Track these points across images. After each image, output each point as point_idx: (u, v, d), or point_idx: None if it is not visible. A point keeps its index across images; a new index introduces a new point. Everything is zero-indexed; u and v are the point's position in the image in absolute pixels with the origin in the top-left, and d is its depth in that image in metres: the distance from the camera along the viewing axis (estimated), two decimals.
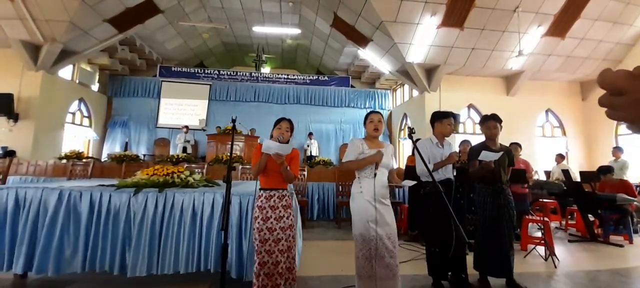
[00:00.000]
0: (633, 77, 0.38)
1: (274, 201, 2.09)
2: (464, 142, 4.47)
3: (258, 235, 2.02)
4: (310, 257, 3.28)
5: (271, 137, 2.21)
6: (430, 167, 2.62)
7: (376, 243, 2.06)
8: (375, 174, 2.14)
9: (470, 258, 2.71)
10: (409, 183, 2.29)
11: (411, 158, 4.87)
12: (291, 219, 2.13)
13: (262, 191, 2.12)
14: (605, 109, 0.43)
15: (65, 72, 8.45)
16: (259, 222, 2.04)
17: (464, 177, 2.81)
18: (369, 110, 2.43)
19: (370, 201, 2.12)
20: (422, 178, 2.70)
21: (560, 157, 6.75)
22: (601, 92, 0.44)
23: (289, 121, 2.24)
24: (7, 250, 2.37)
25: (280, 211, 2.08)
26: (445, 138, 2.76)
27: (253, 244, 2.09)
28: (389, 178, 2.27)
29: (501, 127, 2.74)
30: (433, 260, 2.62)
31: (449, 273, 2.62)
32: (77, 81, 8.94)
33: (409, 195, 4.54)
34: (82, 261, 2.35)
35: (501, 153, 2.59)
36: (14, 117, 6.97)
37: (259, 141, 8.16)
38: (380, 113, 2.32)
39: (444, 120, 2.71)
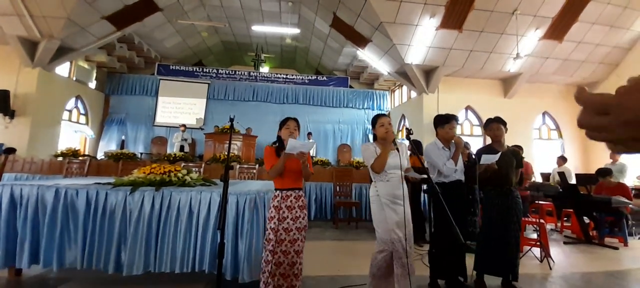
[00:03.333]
0: (617, 95, 0.36)
1: (291, 201, 2.08)
2: (464, 145, 4.48)
3: (274, 236, 2.01)
4: (308, 257, 3.26)
5: (278, 138, 2.21)
6: (439, 169, 2.65)
7: (395, 245, 2.09)
8: (388, 179, 2.18)
9: (470, 259, 2.72)
10: (424, 175, 2.33)
11: (413, 159, 4.88)
12: (306, 220, 2.13)
13: (278, 191, 2.11)
14: (585, 130, 0.39)
15: (63, 69, 8.39)
16: (275, 222, 2.03)
17: (466, 178, 2.85)
18: (376, 114, 2.41)
19: (387, 203, 2.15)
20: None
21: (562, 160, 6.77)
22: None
23: (296, 120, 2.24)
24: (3, 247, 2.35)
25: (296, 211, 2.08)
26: (450, 141, 2.77)
27: (263, 245, 2.08)
28: (406, 175, 2.29)
29: (506, 129, 2.78)
30: (432, 261, 2.63)
31: (448, 273, 2.63)
32: (75, 78, 8.89)
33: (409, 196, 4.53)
34: (79, 259, 2.33)
35: (499, 153, 2.60)
36: (10, 113, 6.92)
37: (257, 141, 8.14)
38: (388, 116, 2.32)
39: (445, 125, 2.72)
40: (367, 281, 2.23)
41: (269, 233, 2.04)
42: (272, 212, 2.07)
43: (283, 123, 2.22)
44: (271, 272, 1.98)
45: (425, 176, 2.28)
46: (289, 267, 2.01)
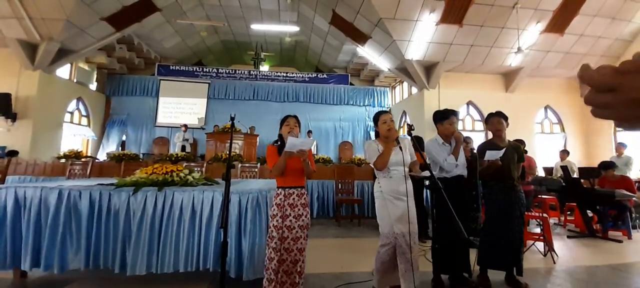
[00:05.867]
0: (622, 73, 0.35)
1: (293, 199, 2.09)
2: (465, 140, 4.46)
3: (276, 233, 2.03)
4: (311, 254, 3.27)
5: (280, 136, 2.22)
6: (440, 165, 2.64)
7: (397, 239, 2.11)
8: (391, 175, 2.19)
9: (472, 255, 2.72)
10: (427, 173, 2.30)
11: (417, 155, 4.87)
12: (308, 218, 2.14)
13: (280, 189, 2.11)
14: (591, 107, 0.39)
15: (63, 71, 8.41)
16: (277, 220, 2.04)
17: (468, 174, 2.84)
18: (378, 111, 2.40)
19: (390, 199, 2.16)
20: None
21: (564, 153, 6.79)
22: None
23: (296, 117, 2.26)
24: (9, 248, 2.36)
25: (299, 209, 2.09)
26: (450, 137, 2.76)
27: (266, 242, 2.10)
28: (411, 169, 2.29)
29: (507, 123, 2.77)
30: (435, 256, 2.63)
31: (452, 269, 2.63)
32: (75, 80, 8.90)
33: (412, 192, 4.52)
34: (83, 259, 2.34)
35: (504, 149, 2.59)
36: (11, 116, 6.94)
37: (259, 139, 8.15)
38: (390, 113, 2.32)
39: (444, 121, 2.71)
40: (373, 276, 2.25)
41: (272, 231, 2.05)
42: (274, 210, 2.08)
43: (283, 121, 2.24)
44: (274, 269, 1.99)
45: (428, 173, 2.26)
46: (291, 265, 2.03)
